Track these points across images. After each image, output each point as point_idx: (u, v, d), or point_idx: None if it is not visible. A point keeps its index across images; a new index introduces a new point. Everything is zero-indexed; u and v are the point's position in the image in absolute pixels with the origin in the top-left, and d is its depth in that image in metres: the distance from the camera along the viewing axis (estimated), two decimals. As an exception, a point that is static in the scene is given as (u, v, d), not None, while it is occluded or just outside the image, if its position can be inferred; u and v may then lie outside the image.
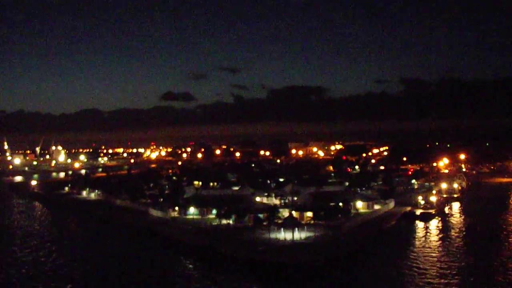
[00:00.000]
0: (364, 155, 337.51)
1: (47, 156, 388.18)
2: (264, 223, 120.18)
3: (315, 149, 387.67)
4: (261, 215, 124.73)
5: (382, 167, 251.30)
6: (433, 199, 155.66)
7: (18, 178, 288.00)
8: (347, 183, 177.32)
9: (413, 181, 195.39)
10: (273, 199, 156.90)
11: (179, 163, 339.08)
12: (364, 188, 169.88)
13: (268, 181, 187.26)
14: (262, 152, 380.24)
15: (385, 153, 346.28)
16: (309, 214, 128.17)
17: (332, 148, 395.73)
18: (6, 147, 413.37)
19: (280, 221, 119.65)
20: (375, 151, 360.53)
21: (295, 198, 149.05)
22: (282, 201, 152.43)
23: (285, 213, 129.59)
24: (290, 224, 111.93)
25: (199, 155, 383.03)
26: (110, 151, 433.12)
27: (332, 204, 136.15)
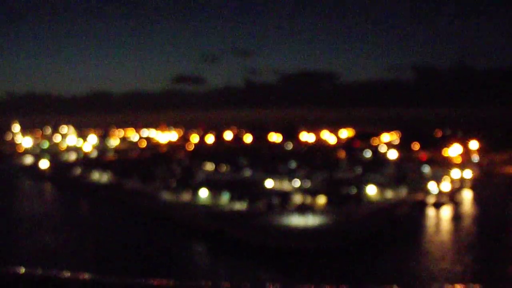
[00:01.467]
0: (375, 141, 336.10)
1: (58, 138, 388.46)
2: (277, 208, 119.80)
3: (326, 135, 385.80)
4: (273, 200, 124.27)
5: (394, 154, 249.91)
6: (445, 187, 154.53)
7: (29, 160, 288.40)
8: (359, 169, 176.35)
9: (425, 168, 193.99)
10: (285, 184, 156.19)
11: (190, 146, 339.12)
12: (376, 175, 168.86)
13: (280, 166, 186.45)
14: (273, 137, 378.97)
15: (397, 139, 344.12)
16: (322, 200, 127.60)
17: (343, 134, 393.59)
18: (16, 128, 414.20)
19: (292, 207, 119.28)
20: (387, 137, 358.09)
21: (307, 184, 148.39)
22: (294, 186, 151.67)
23: (297, 198, 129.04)
24: (303, 209, 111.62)
25: (210, 139, 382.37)
26: (121, 133, 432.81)
27: (344, 190, 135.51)
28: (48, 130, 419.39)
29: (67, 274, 68.55)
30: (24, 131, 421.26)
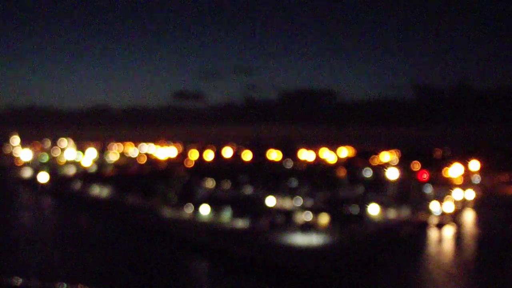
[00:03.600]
0: (375, 160, 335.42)
1: (58, 152, 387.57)
2: (280, 227, 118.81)
3: (325, 153, 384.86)
4: (276, 218, 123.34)
5: (395, 173, 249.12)
6: (447, 207, 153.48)
7: (28, 173, 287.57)
8: (360, 188, 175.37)
9: (427, 188, 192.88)
10: (287, 202, 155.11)
11: (190, 162, 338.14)
12: (377, 194, 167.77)
13: (281, 184, 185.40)
14: (273, 154, 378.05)
15: (397, 158, 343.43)
16: (324, 218, 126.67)
17: (343, 152, 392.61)
18: (16, 141, 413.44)
19: (295, 225, 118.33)
20: (388, 156, 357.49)
21: (309, 202, 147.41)
22: (296, 204, 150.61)
23: (299, 216, 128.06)
24: (306, 228, 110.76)
25: (210, 155, 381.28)
26: (121, 148, 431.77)
27: (346, 209, 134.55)
28: (48, 143, 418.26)
29: (64, 286, 67.58)
30: (24, 144, 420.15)
